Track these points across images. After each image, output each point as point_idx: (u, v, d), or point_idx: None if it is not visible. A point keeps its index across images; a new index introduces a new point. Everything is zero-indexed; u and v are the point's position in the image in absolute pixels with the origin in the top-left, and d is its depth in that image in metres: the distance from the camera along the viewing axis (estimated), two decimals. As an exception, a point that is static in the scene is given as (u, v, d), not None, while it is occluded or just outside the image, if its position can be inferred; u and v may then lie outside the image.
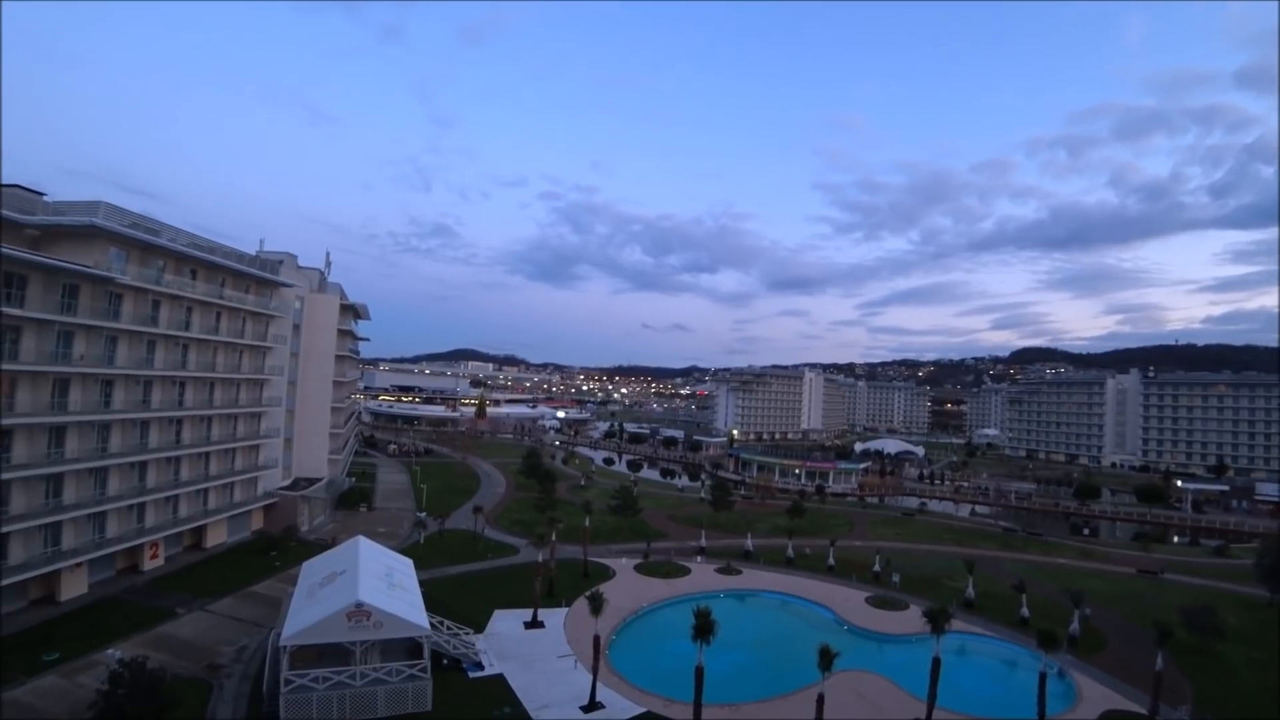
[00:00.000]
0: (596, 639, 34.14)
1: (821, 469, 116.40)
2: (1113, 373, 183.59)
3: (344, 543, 44.49)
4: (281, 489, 63.38)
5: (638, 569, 55.09)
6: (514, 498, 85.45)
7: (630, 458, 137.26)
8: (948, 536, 76.75)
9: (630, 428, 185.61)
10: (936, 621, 33.60)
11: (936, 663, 31.99)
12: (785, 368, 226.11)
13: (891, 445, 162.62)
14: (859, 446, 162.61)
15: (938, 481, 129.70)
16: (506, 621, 42.66)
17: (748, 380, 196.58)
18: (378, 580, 35.53)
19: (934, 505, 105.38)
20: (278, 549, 54.45)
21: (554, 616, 43.63)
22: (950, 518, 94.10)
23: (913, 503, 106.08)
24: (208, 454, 54.97)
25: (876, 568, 57.37)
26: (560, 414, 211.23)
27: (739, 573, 55.75)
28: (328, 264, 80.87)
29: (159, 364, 49.15)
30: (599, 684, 33.11)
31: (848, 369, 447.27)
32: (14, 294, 37.48)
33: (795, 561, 59.98)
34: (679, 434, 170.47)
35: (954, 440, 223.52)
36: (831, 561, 59.14)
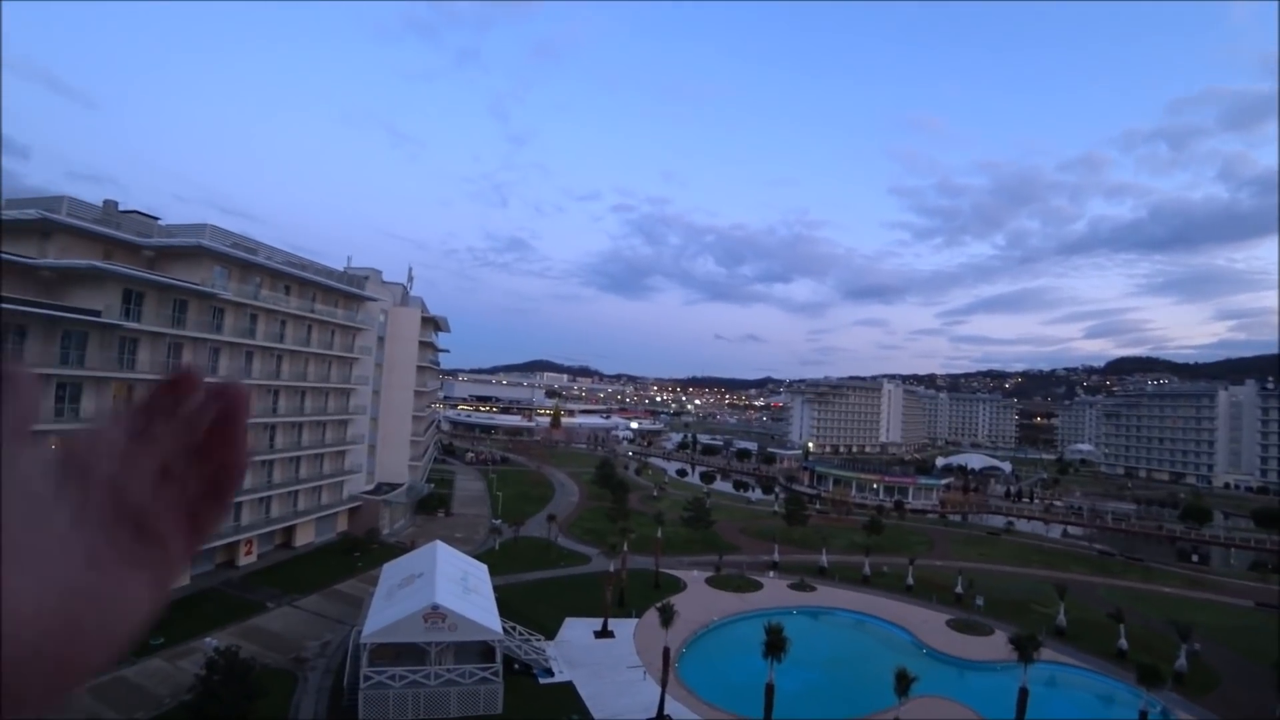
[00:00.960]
0: (666, 651, 34.14)
1: (900, 484, 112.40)
2: (1225, 384, 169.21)
3: (422, 546, 46.00)
4: (365, 493, 66.23)
5: (709, 582, 54.68)
6: (587, 507, 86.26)
7: (703, 469, 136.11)
8: (1037, 558, 72.66)
9: (703, 439, 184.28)
10: (1024, 649, 32.09)
11: (1024, 693, 30.58)
12: (863, 379, 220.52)
13: (975, 460, 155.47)
14: (940, 461, 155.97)
15: (1026, 499, 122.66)
16: (577, 629, 43.14)
17: (823, 392, 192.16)
18: (454, 584, 36.59)
19: (1022, 525, 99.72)
20: (360, 550, 56.88)
21: (624, 626, 43.80)
22: (1040, 538, 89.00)
23: (998, 521, 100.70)
24: (298, 458, 58.11)
25: (958, 589, 54.70)
26: (634, 425, 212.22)
27: (813, 589, 54.47)
28: (410, 279, 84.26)
29: (256, 373, 52.45)
30: (667, 696, 33.06)
31: (928, 380, 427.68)
32: (133, 309, 41.05)
33: (872, 580, 58.08)
34: (753, 446, 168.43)
35: (1044, 456, 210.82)
36: (910, 581, 56.82)
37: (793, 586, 54.72)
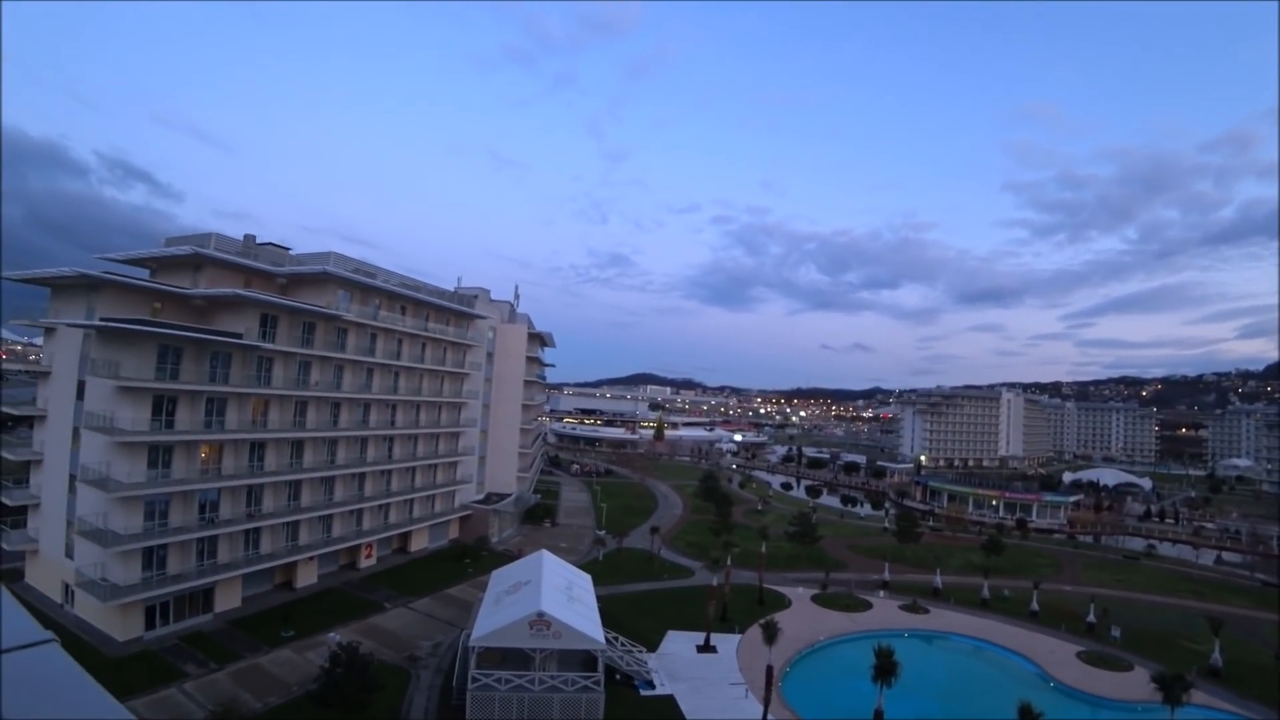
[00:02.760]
0: (770, 669, 33.56)
1: (1023, 501, 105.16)
2: None
3: (529, 555, 47.30)
4: (475, 503, 69.11)
5: (815, 600, 53.24)
6: (690, 520, 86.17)
7: (809, 483, 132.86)
8: (1184, 588, 65.13)
9: (809, 452, 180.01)
10: (1171, 689, 29.19)
11: None
12: (978, 388, 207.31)
13: (1109, 476, 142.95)
14: (1068, 476, 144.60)
15: (1170, 520, 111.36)
16: (679, 643, 43.08)
17: (936, 402, 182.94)
18: (559, 593, 37.47)
19: (1165, 549, 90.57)
20: (470, 557, 59.34)
21: (727, 642, 43.39)
22: (1188, 564, 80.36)
23: (1137, 544, 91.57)
24: (414, 468, 61.39)
25: (1091, 618, 50.17)
26: (737, 437, 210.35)
27: (926, 611, 51.82)
28: (516, 296, 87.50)
29: (376, 389, 56.06)
30: (770, 716, 32.38)
31: (1053, 389, 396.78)
32: (269, 331, 45.11)
33: (991, 604, 54.42)
34: (861, 459, 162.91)
35: (1191, 472, 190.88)
36: (1035, 606, 52.69)
37: (904, 608, 52.36)
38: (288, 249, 53.77)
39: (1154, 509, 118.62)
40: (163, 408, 39.79)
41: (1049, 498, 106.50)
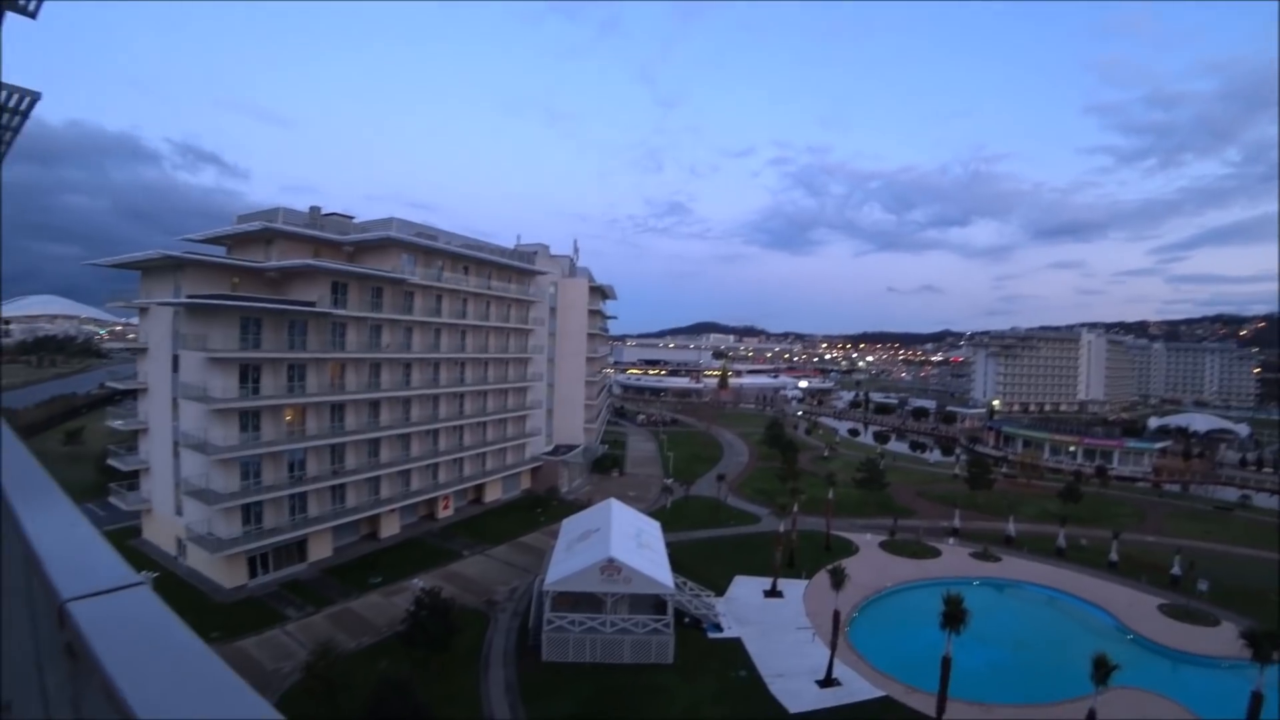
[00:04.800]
0: (836, 614, 33.94)
1: (1104, 447, 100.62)
2: None
3: (598, 504, 48.56)
4: (545, 454, 71.24)
5: (883, 546, 53.08)
6: (756, 467, 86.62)
7: (877, 429, 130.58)
8: (1282, 541, 61.11)
9: (876, 397, 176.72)
10: (1261, 646, 27.73)
11: (1257, 698, 26.68)
12: (1056, 329, 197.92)
13: (1200, 421, 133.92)
14: (1154, 422, 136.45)
15: (1269, 469, 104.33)
16: (746, 588, 43.90)
17: (1010, 344, 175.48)
18: (628, 540, 38.58)
19: (1262, 500, 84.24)
20: (542, 507, 61.48)
21: (793, 587, 44.00)
22: (1288, 516, 75.62)
23: (1230, 494, 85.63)
24: (485, 423, 63.55)
25: (1175, 570, 47.78)
26: (802, 384, 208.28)
27: (997, 559, 50.83)
28: (576, 250, 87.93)
29: (444, 348, 57.90)
30: (836, 660, 32.99)
31: (1139, 328, 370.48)
32: (340, 298, 47.09)
33: (1067, 553, 52.81)
34: (930, 404, 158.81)
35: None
36: (1114, 557, 50.84)
37: (975, 555, 51.58)
38: (352, 217, 55.59)
39: (1250, 457, 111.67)
40: (249, 376, 42.40)
41: (1132, 444, 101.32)
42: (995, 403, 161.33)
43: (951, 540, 55.49)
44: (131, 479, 49.58)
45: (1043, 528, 58.93)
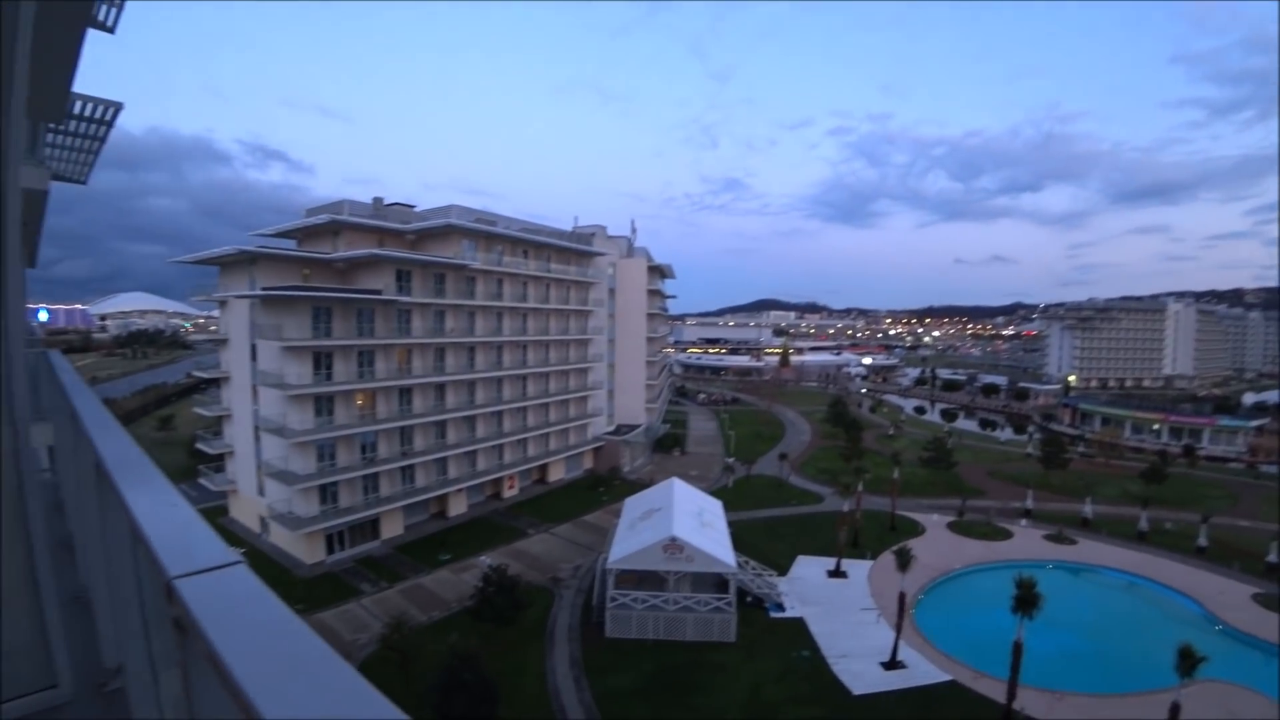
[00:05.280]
0: (902, 596, 33.27)
1: (1192, 425, 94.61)
2: None
3: (660, 483, 48.74)
4: (606, 434, 72.06)
5: (950, 527, 51.66)
6: (819, 446, 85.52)
7: (944, 406, 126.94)
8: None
9: (944, 374, 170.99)
10: None
11: None
12: (1139, 299, 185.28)
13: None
14: (1249, 398, 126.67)
15: None
16: (809, 568, 43.56)
17: (1088, 316, 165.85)
18: (690, 518, 38.81)
19: None
20: (604, 486, 62.35)
21: (857, 568, 43.39)
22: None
23: None
24: (547, 404, 64.65)
25: (1273, 557, 44.49)
26: (866, 360, 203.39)
27: (1073, 542, 48.71)
28: (633, 231, 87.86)
29: (506, 331, 59.04)
30: (902, 642, 32.47)
31: (1233, 296, 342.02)
32: (404, 286, 48.52)
33: (1149, 537, 50.06)
34: (1001, 381, 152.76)
35: None
36: (1203, 542, 47.65)
37: (1048, 538, 49.52)
38: (413, 207, 57.06)
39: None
40: (321, 362, 44.26)
41: (1225, 422, 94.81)
42: (1071, 378, 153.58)
43: (1023, 522, 53.51)
44: (218, 461, 52.62)
45: (1123, 510, 56.13)
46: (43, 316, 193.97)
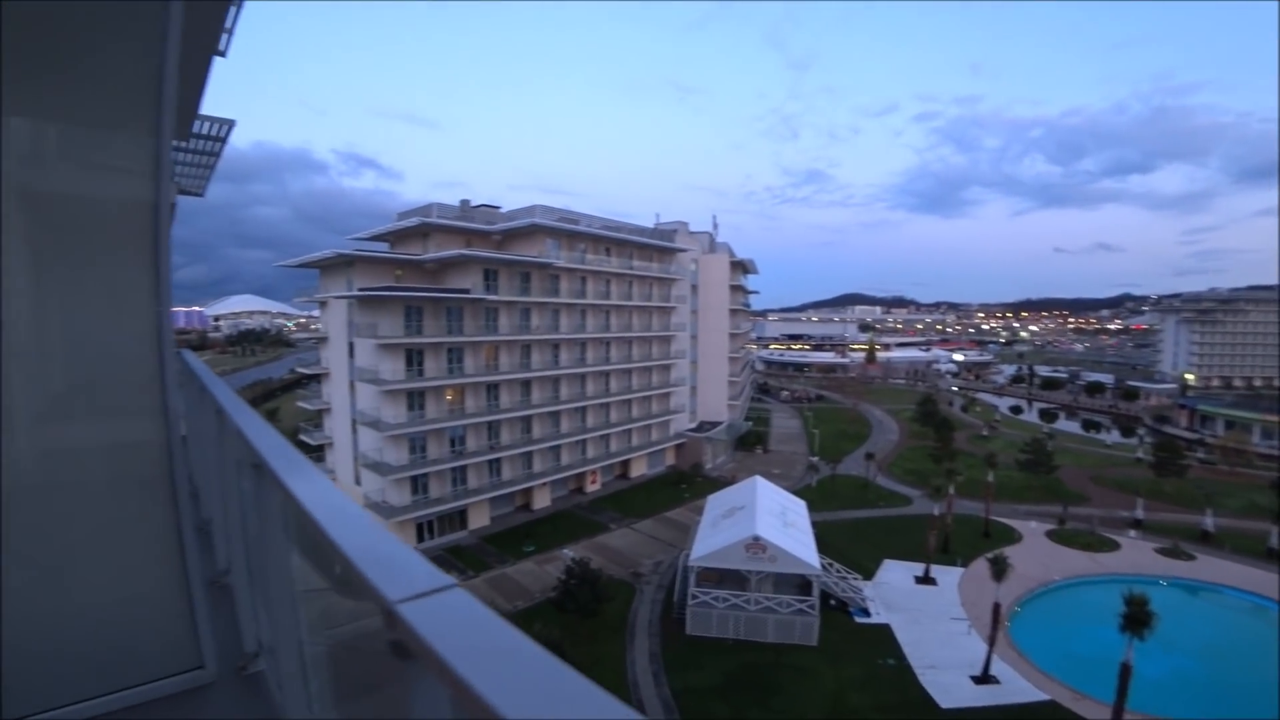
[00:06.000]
0: (996, 606, 31.67)
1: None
2: None
3: (743, 481, 48.53)
4: (689, 431, 71.97)
5: (1050, 536, 48.62)
6: (907, 445, 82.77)
7: (1043, 406, 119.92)
8: None
9: (1042, 371, 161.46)
10: None
11: None
12: (1269, 288, 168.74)
13: None
14: None
15: None
16: (896, 573, 42.18)
17: (1208, 308, 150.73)
18: (773, 518, 38.31)
19: None
20: (686, 483, 62.30)
21: (948, 575, 41.61)
22: None
23: None
24: (630, 400, 65.15)
25: None
26: (957, 356, 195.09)
27: (1191, 558, 44.79)
28: (715, 226, 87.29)
29: (589, 328, 59.86)
30: (995, 656, 30.90)
31: None
32: (491, 284, 49.98)
33: (1282, 555, 45.61)
34: (1107, 379, 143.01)
35: None
36: None
37: (1162, 551, 45.83)
38: (498, 207, 58.57)
39: None
40: (413, 359, 46.17)
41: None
42: (1189, 377, 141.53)
43: (1133, 533, 49.82)
44: (318, 452, 55.63)
45: (1251, 523, 51.36)
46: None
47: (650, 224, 74.36)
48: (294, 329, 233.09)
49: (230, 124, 9.51)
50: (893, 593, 39.33)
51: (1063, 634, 35.30)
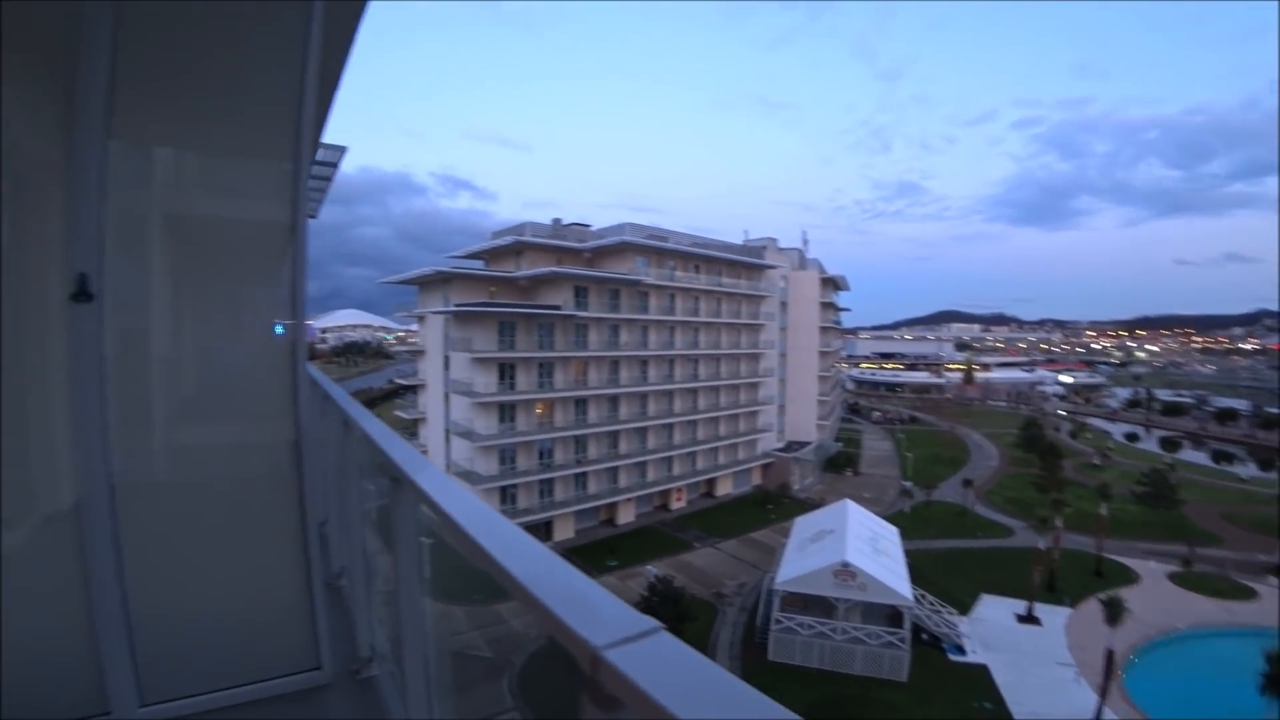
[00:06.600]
0: (1109, 654, 29.42)
1: None
2: None
3: (832, 504, 47.37)
4: (776, 450, 70.82)
5: (1174, 578, 44.61)
6: (1008, 473, 78.48)
7: (1164, 434, 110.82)
8: None
9: (1163, 395, 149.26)
10: None
11: None
12: None
13: None
14: None
15: None
16: (994, 609, 39.78)
17: None
18: (863, 544, 37.13)
19: None
20: (773, 503, 61.17)
21: (1053, 615, 38.82)
22: None
23: None
24: (717, 418, 64.73)
25: None
26: (1064, 378, 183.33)
27: (1347, 611, 40.53)
28: (805, 242, 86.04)
29: (677, 345, 60.04)
30: (1106, 708, 28.60)
31: None
32: (581, 301, 51.09)
33: None
34: (1242, 404, 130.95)
35: None
36: None
37: (1311, 603, 41.38)
38: (588, 225, 59.90)
39: None
40: (505, 373, 47.63)
41: None
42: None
43: (1274, 580, 45.03)
44: (415, 460, 58.02)
45: None
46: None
47: (737, 240, 74.08)
48: (393, 342, 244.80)
49: (343, 150, 10.13)
50: (991, 631, 37.14)
51: (1187, 690, 32.05)
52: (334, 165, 11.07)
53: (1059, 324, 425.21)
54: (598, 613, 1.22)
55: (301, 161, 3.01)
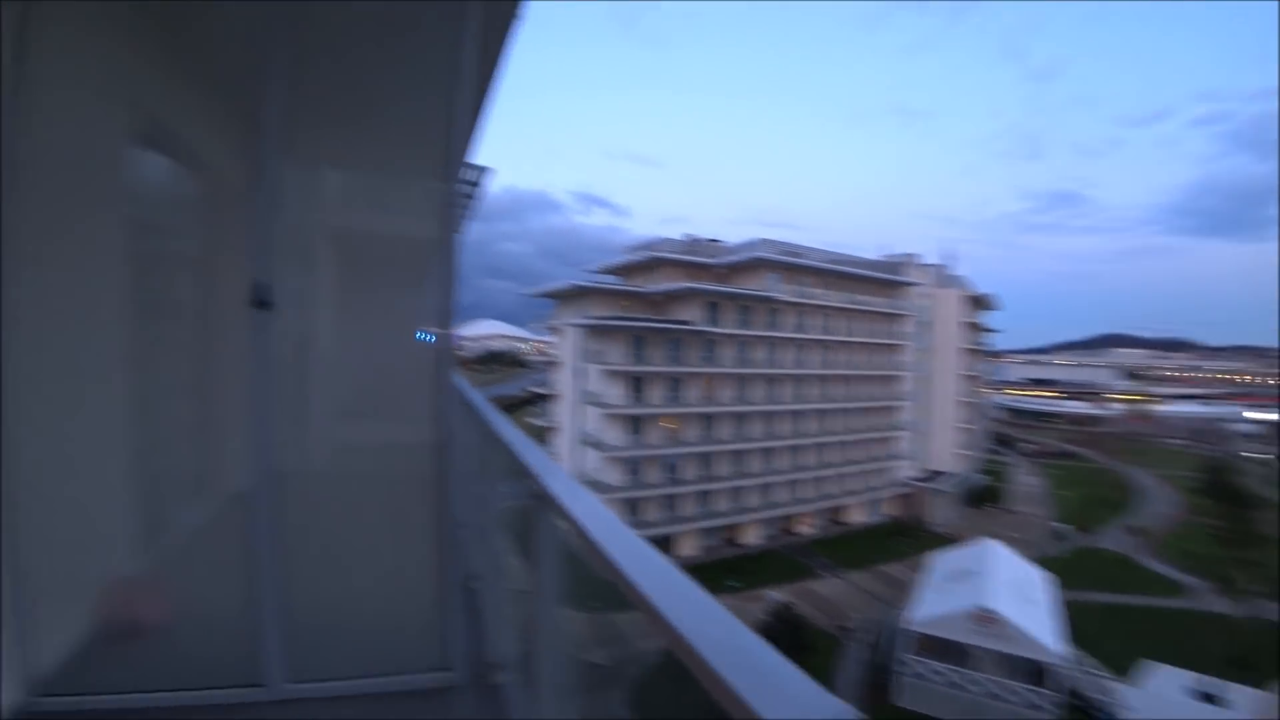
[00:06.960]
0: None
1: None
2: None
3: (973, 542, 44.32)
4: (912, 480, 67.21)
5: (1407, 662, 38.15)
6: (1185, 521, 69.73)
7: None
8: None
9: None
10: None
11: None
12: None
13: None
14: None
15: None
16: (1164, 680, 34.53)
17: None
18: (1008, 589, 34.37)
19: None
20: (908, 536, 57.88)
21: (1241, 696, 32.96)
22: None
23: None
24: (849, 442, 62.55)
25: None
26: (1257, 414, 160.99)
27: None
28: (949, 258, 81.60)
29: (809, 364, 58.65)
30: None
31: None
32: (712, 317, 51.14)
33: None
34: None
35: None
36: None
37: None
38: (720, 241, 59.96)
39: None
40: (636, 386, 48.41)
41: None
42: None
43: None
44: (546, 467, 60.29)
45: None
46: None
47: (872, 255, 71.42)
48: (529, 352, 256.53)
49: (488, 171, 10.88)
50: (1159, 705, 32.40)
51: None
52: (479, 185, 11.99)
53: (1252, 350, 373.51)
54: (776, 684, 0.98)
55: (451, 181, 3.27)
